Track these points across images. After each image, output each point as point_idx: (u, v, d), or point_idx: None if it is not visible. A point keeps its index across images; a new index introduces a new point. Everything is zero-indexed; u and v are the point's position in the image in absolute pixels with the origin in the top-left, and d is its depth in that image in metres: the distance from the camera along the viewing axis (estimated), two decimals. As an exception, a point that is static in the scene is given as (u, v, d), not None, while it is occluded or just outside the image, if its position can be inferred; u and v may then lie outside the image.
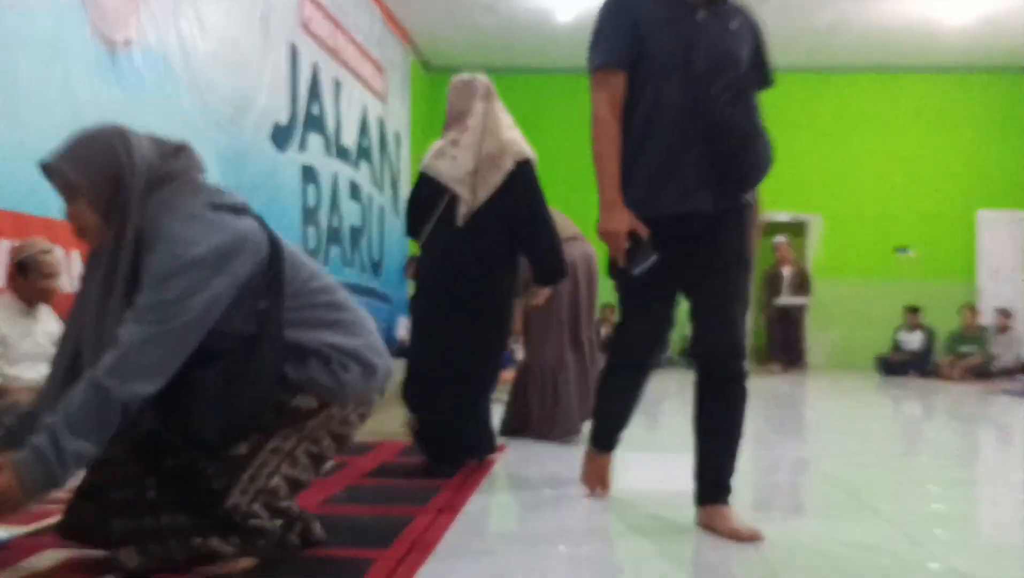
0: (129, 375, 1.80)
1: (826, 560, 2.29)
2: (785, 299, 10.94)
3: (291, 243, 2.21)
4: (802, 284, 11.07)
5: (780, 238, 11.32)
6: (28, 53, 4.40)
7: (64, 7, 4.54)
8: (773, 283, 11.12)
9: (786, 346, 10.89)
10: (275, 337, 1.99)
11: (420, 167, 3.63)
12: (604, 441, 2.91)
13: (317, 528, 2.16)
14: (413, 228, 3.64)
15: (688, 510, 2.62)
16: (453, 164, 3.48)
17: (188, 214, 1.94)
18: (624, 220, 2.47)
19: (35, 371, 3.85)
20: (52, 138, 4.53)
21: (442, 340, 3.34)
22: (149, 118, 5.28)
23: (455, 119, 3.62)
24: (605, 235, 2.51)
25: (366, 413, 2.19)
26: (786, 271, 11.10)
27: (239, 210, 2.05)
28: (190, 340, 1.88)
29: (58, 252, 4.20)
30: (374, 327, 2.24)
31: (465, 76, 3.70)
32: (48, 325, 4.14)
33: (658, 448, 4.23)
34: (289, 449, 2.07)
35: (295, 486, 2.11)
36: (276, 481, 2.05)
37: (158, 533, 1.94)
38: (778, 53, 11.78)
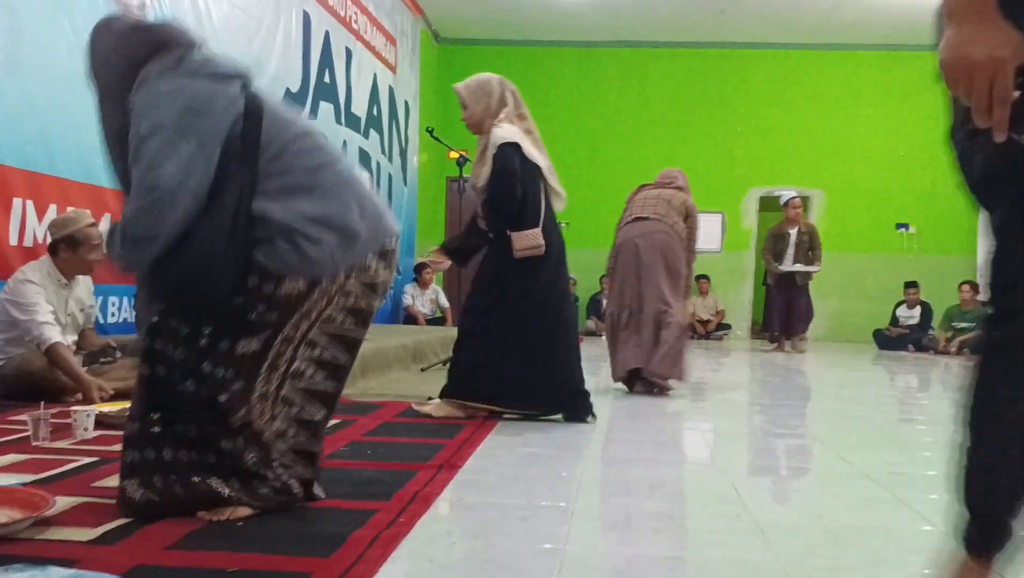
0: (128, 247, 1.95)
1: (819, 522, 2.40)
2: (790, 265, 9.85)
3: (282, 102, 2.21)
4: (811, 248, 9.88)
5: (792, 195, 10.39)
6: (33, 7, 4.48)
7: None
8: (777, 245, 9.98)
9: (785, 318, 9.92)
10: (239, 203, 1.97)
11: (514, 147, 3.76)
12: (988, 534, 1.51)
13: (318, 489, 2.24)
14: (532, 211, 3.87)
15: (688, 478, 2.73)
16: (544, 158, 3.90)
17: (156, 85, 1.98)
18: (1008, 40, 1.22)
19: (65, 341, 3.94)
20: (59, 93, 4.65)
21: (570, 314, 4.00)
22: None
23: (521, 115, 3.92)
24: (962, 67, 1.24)
25: (370, 280, 2.14)
26: (793, 233, 9.93)
27: (223, 77, 2.04)
28: (177, 207, 1.91)
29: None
30: (363, 188, 2.16)
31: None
32: (81, 294, 4.21)
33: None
34: (302, 335, 2.08)
35: (311, 409, 2.14)
36: (289, 392, 2.10)
37: (160, 466, 2.02)
38: (781, 31, 11.82)
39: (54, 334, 3.83)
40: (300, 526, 2.05)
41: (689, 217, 5.28)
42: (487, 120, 3.80)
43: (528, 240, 3.77)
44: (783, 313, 9.91)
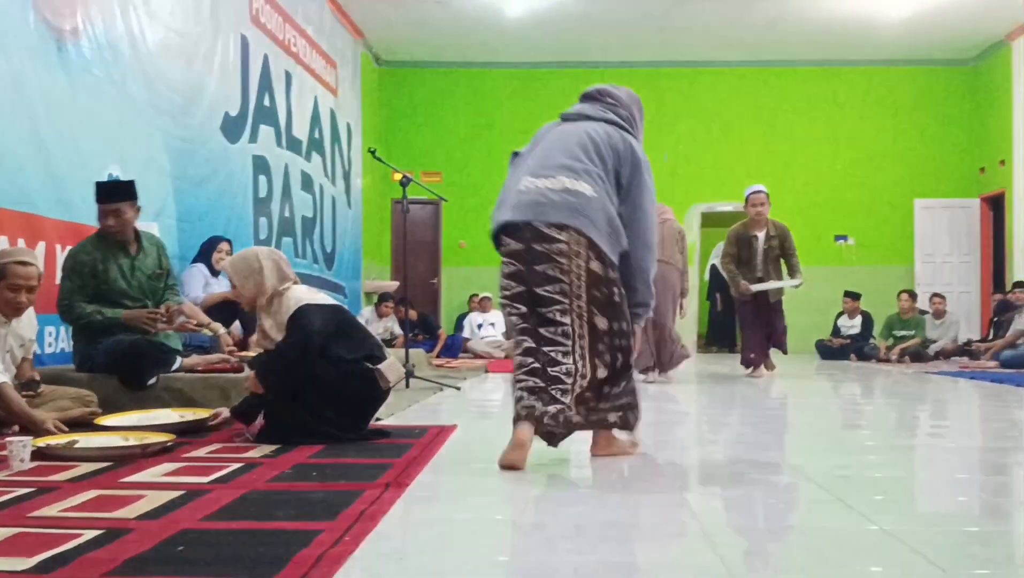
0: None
1: (763, 524, 2.43)
2: (762, 283, 7.85)
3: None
4: (785, 255, 7.96)
5: (758, 188, 8.21)
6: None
7: (7, -5, 4.53)
8: (742, 252, 7.96)
9: (764, 341, 8.08)
10: None
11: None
12: None
13: None
14: None
15: (636, 487, 2.75)
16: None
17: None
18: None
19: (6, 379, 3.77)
20: None
21: None
22: (97, 107, 5.30)
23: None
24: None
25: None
26: (761, 236, 7.93)
27: None
28: None
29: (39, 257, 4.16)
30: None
31: None
32: (22, 329, 4.03)
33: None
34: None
35: None
36: None
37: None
38: (721, 49, 12.00)
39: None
40: (241, 549, 2.01)
41: (681, 241, 7.22)
42: (261, 297, 3.77)
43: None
44: (759, 334, 8.04)
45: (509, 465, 3.03)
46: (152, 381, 4.48)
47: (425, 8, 10.53)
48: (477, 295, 11.55)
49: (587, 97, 3.44)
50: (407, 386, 5.98)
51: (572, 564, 1.98)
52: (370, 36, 11.65)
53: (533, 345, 3.10)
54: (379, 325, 10.44)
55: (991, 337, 10.62)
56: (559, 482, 3.01)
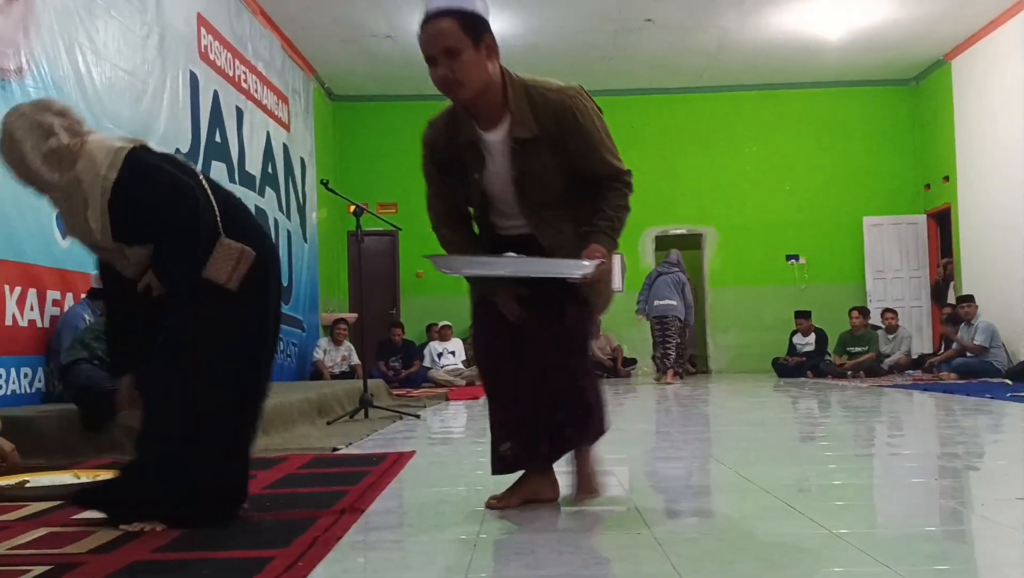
0: None
1: (715, 532, 2.46)
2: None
3: None
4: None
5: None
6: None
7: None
8: None
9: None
10: None
11: None
12: None
13: None
14: None
15: (591, 502, 2.76)
16: None
17: None
18: None
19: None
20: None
21: None
22: (44, 147, 5.24)
23: None
24: None
25: None
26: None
27: None
28: None
29: None
30: None
31: None
32: None
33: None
34: None
35: None
36: None
37: None
38: (667, 76, 12.18)
39: None
40: None
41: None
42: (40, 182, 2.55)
43: None
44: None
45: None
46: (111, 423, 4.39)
47: (376, 43, 10.59)
48: (436, 324, 11.54)
49: None
50: (366, 416, 5.96)
51: None
52: (322, 71, 11.69)
53: None
54: (337, 354, 10.35)
55: (943, 349, 10.83)
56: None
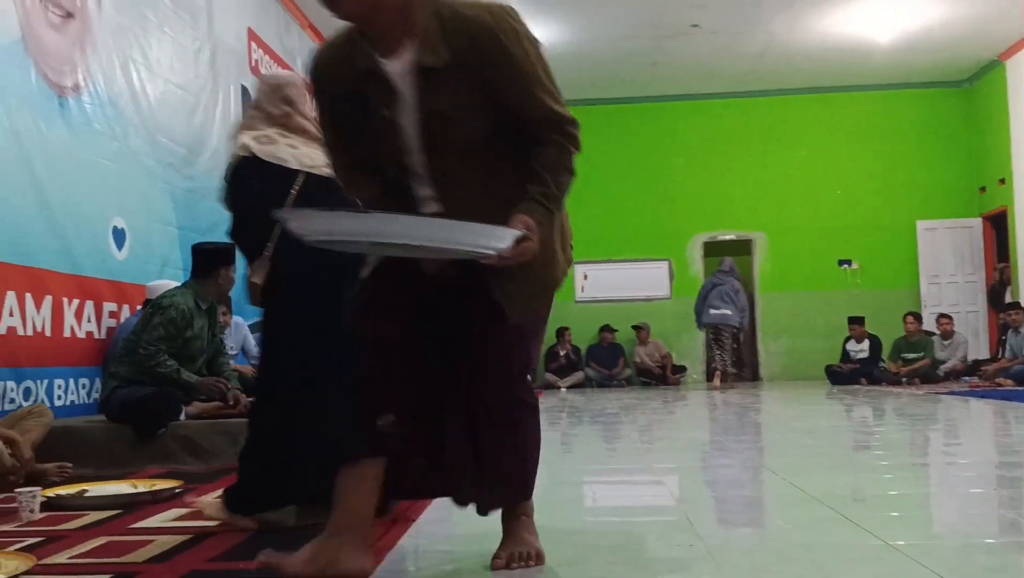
0: None
1: (768, 543, 2.43)
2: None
3: None
4: None
5: None
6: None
7: (6, 54, 4.63)
8: None
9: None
10: None
11: None
12: None
13: None
14: None
15: (642, 510, 2.75)
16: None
17: None
18: None
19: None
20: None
21: None
22: (100, 160, 5.38)
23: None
24: None
25: None
26: None
27: None
28: None
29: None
30: None
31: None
32: None
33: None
34: None
35: None
36: None
37: None
38: (711, 81, 12.06)
39: None
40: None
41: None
42: None
43: None
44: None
45: None
46: (162, 430, 4.49)
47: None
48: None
49: None
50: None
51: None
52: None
53: None
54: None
55: (1000, 354, 10.59)
56: (564, 507, 3.00)
